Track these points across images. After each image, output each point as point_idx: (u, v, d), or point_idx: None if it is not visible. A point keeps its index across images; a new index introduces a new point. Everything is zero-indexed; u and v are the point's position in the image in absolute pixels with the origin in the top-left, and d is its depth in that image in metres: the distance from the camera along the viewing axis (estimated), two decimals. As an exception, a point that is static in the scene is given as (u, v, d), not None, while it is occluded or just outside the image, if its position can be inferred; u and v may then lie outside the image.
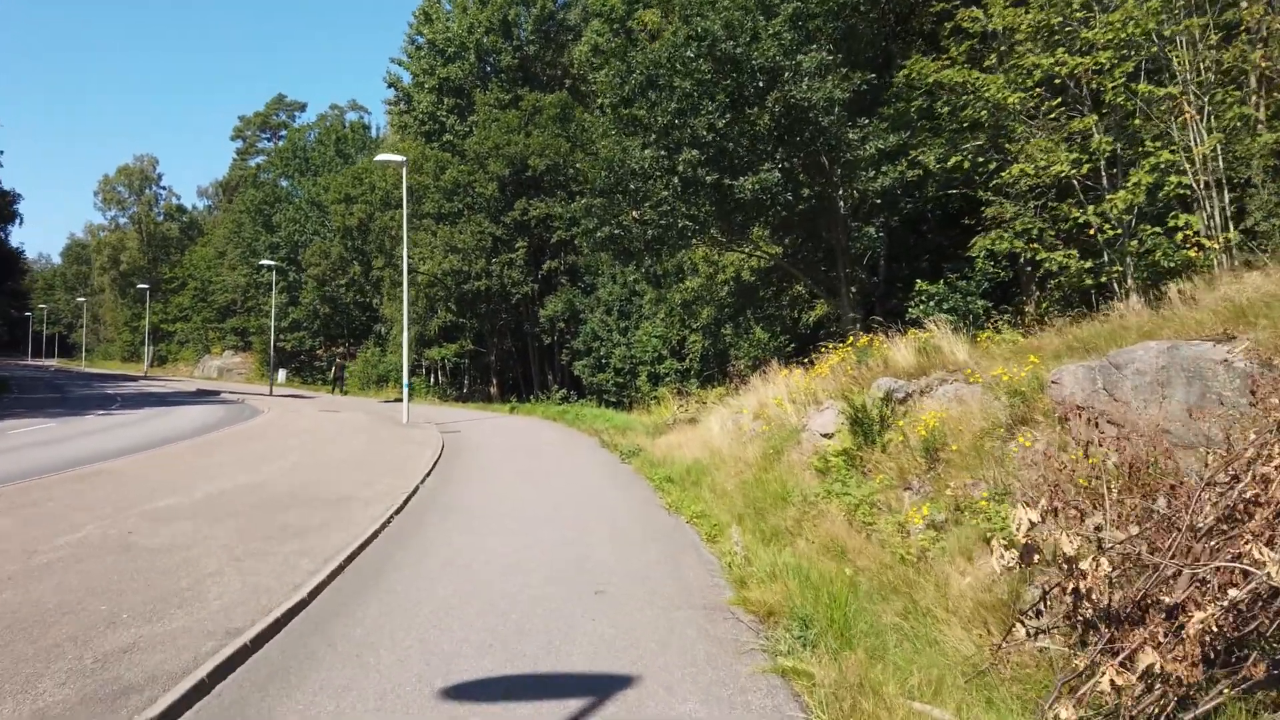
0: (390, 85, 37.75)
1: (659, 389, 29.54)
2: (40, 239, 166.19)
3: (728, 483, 10.70)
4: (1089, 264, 12.71)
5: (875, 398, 9.29)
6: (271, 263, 42.65)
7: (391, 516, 8.96)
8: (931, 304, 15.85)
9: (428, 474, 12.71)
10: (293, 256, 49.78)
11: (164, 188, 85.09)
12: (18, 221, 49.41)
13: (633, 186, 16.51)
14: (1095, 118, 12.21)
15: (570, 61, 37.06)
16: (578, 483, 11.71)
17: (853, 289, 17.73)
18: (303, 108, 70.91)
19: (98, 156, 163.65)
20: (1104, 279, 12.62)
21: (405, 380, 23.89)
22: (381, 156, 23.23)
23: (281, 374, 56.38)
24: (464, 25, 35.85)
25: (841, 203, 17.14)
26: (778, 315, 24.59)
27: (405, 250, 24.28)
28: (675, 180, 15.98)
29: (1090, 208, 12.31)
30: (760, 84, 14.79)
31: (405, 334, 24.10)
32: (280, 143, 64.52)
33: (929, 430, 7.68)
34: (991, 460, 7.30)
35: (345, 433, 19.32)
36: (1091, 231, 12.16)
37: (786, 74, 14.53)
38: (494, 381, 39.64)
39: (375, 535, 7.91)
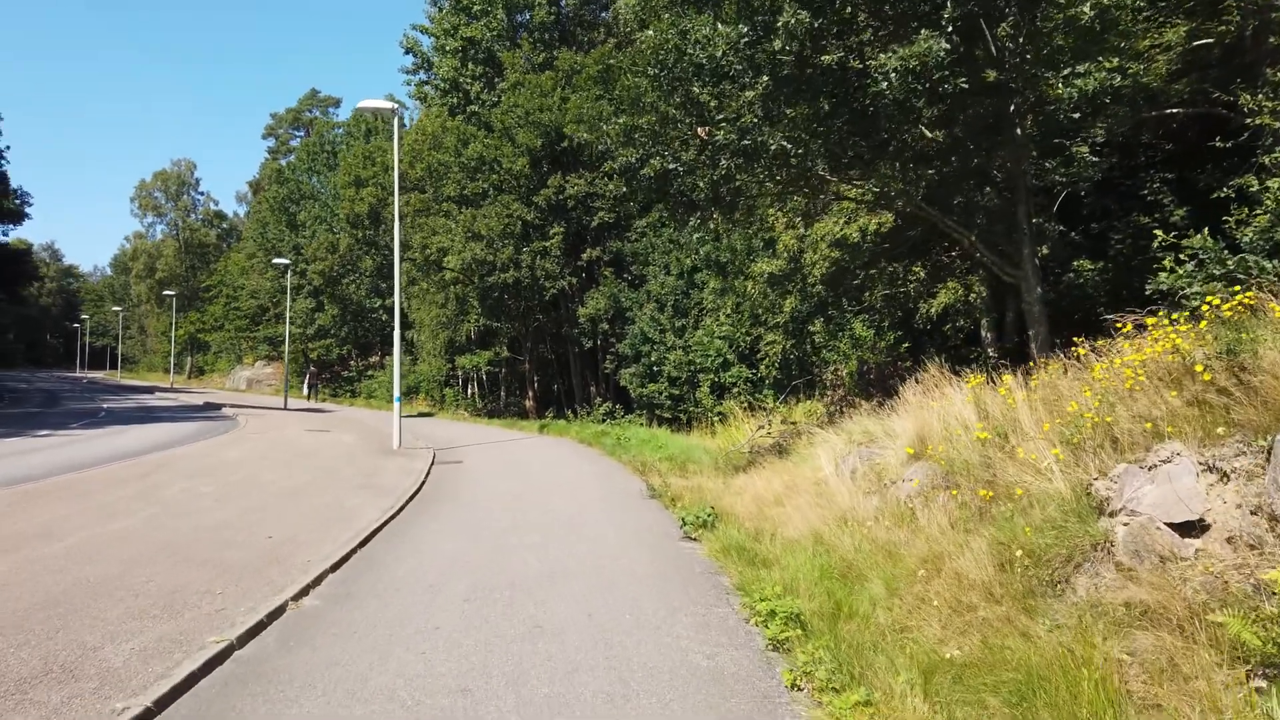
0: (408, 50, 32.59)
1: (724, 403, 23.49)
2: (95, 251, 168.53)
3: (946, 642, 4.57)
4: None
5: None
6: (285, 261, 37.92)
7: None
8: (1189, 267, 9.55)
9: (328, 572, 6.90)
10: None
11: (202, 193, 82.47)
12: (23, 221, 45.55)
13: (698, 92, 10.56)
14: None
15: (614, 17, 31.38)
16: (597, 631, 5.58)
17: (1042, 249, 11.43)
18: (337, 103, 67.01)
19: (144, 161, 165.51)
20: None
21: (396, 394, 18.32)
22: (366, 103, 17.80)
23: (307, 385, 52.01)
24: (492, -23, 30.50)
25: (1020, 117, 10.85)
26: (890, 304, 18.19)
27: (396, 229, 18.80)
28: (765, 79, 9.97)
29: None
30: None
31: (396, 333, 18.59)
32: (307, 134, 60.52)
33: None
34: None
35: (291, 465, 13.76)
36: None
37: None
38: (529, 394, 34.00)
39: None
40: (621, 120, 11.54)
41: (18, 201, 45.46)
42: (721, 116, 10.25)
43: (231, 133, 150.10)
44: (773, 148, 10.19)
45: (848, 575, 6.41)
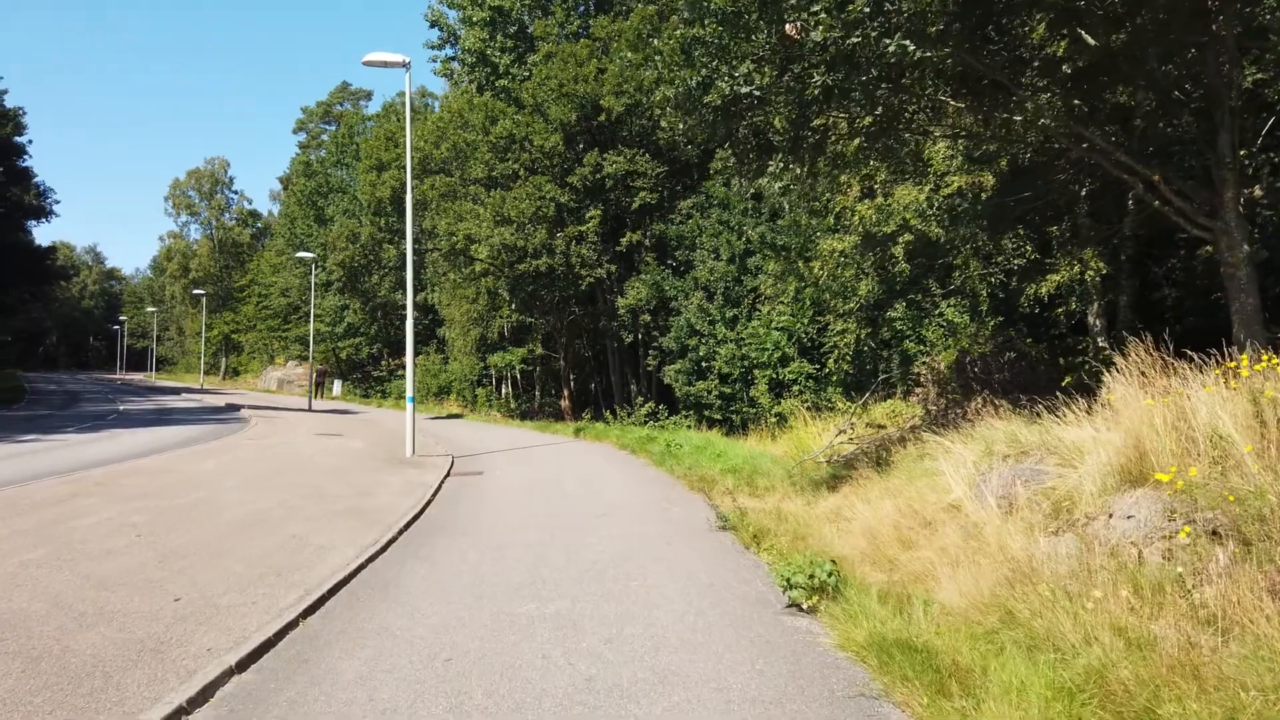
0: (432, 23, 30.27)
1: (783, 402, 20.62)
2: (138, 253, 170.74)
3: None
4: None
5: None
6: (309, 255, 35.95)
7: None
8: None
9: (227, 676, 4.27)
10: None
11: (235, 192, 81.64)
12: (48, 219, 44.42)
13: (782, -19, 7.74)
14: None
15: (655, -19, 28.58)
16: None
17: (1250, 194, 8.40)
18: (369, 96, 65.24)
19: (184, 161, 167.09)
20: None
21: (410, 393, 15.83)
22: (373, 55, 15.34)
23: (337, 386, 50.25)
24: (521, -59, 28.00)
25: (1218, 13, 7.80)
26: (986, 285, 15.09)
27: (409, 199, 16.32)
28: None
29: None
30: None
31: (409, 323, 16.10)
32: (337, 127, 58.81)
33: None
34: None
35: (270, 480, 11.26)
36: None
37: None
38: (565, 393, 31.45)
39: None
40: (679, 32, 8.77)
41: (41, 198, 44.35)
42: (819, 6, 7.41)
43: (266, 131, 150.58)
44: (890, 49, 7.29)
45: (1111, 705, 3.59)
